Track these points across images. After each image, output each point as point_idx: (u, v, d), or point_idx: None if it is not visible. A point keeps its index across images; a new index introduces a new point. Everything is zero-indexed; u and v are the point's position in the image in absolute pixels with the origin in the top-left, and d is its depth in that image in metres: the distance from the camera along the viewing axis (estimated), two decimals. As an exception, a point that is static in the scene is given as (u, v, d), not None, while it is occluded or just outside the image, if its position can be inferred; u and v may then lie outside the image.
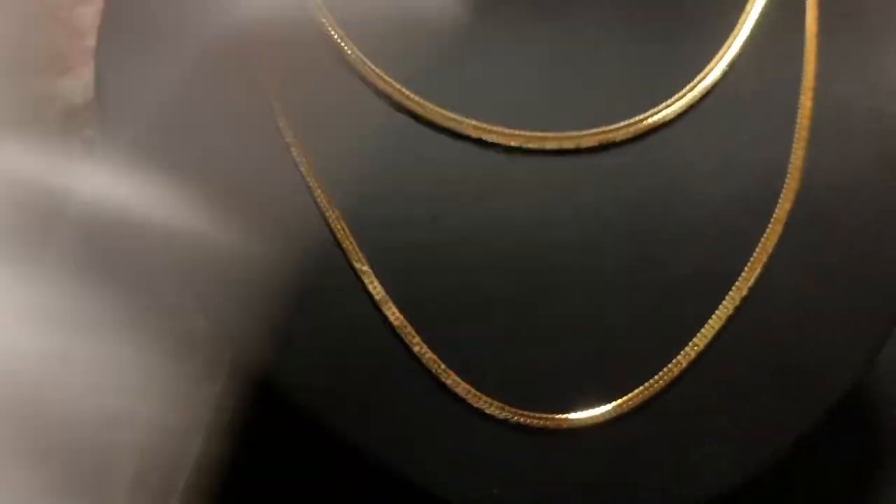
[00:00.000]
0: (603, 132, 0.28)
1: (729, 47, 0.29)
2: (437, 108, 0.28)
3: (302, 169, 0.27)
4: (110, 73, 0.29)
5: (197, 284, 0.27)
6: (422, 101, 0.28)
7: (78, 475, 0.30)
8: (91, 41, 0.35)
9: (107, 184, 0.26)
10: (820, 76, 0.30)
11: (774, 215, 0.28)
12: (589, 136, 0.28)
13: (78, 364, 0.29)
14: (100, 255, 0.29)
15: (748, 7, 0.30)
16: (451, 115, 0.28)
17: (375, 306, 0.27)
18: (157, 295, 0.31)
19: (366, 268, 0.27)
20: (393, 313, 0.26)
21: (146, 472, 0.33)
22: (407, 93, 0.28)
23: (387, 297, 0.26)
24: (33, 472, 0.28)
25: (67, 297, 0.29)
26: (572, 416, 0.26)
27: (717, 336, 0.27)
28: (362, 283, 0.27)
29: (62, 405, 0.28)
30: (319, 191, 0.27)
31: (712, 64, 0.29)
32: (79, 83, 0.41)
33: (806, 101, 0.29)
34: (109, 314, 0.30)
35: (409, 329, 0.26)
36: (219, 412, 0.36)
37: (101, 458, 0.32)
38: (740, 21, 0.30)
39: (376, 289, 0.26)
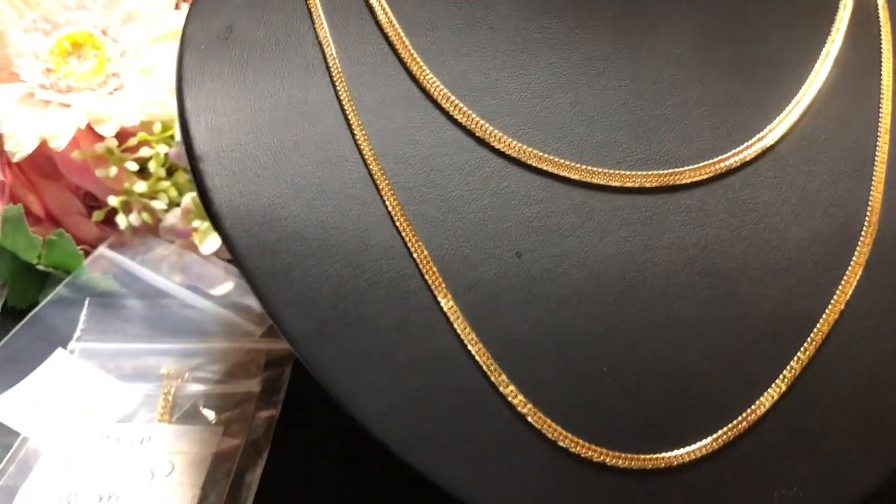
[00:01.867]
0: (683, 172, 0.28)
1: (808, 89, 0.30)
2: (520, 145, 0.28)
3: (388, 203, 0.27)
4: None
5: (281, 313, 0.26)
6: (505, 136, 0.28)
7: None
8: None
9: None
10: (896, 119, 0.30)
11: (854, 257, 0.28)
12: (669, 175, 0.28)
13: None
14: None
15: (826, 49, 0.30)
16: (535, 151, 0.28)
17: (460, 342, 0.26)
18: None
19: (450, 303, 0.27)
20: (479, 349, 0.26)
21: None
22: (491, 128, 0.28)
23: (471, 333, 0.26)
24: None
25: None
26: (655, 456, 0.26)
27: (799, 377, 0.27)
28: (447, 318, 0.26)
29: None
30: (405, 225, 0.27)
31: (791, 105, 0.29)
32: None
33: (883, 144, 0.30)
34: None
35: (494, 366, 0.26)
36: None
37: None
38: (818, 63, 0.30)
39: (460, 324, 0.26)
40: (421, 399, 0.26)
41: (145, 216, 0.44)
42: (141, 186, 0.43)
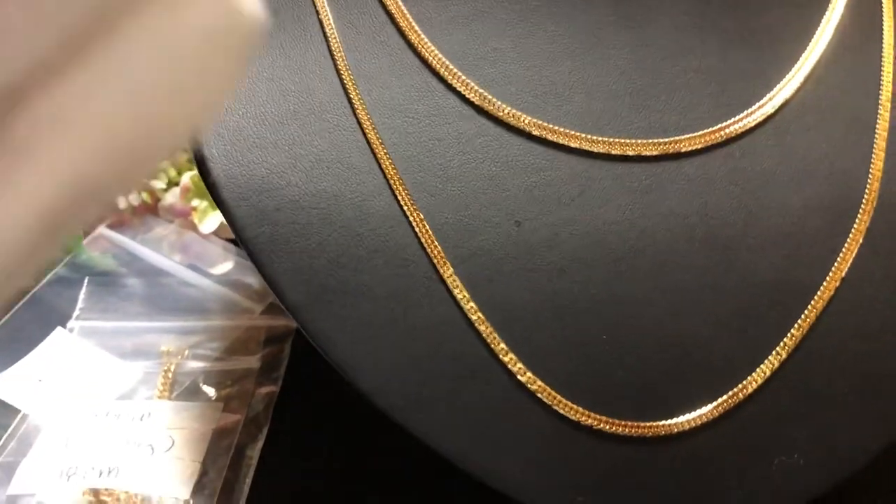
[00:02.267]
0: (683, 140, 0.28)
1: (808, 58, 0.29)
2: (519, 113, 0.28)
3: (386, 172, 0.27)
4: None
5: (280, 282, 0.26)
6: (504, 105, 0.28)
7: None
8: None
9: None
10: (897, 88, 0.30)
11: (855, 225, 0.28)
12: (670, 144, 0.28)
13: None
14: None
15: (826, 17, 0.30)
16: (534, 119, 0.28)
17: (459, 310, 0.26)
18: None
19: (450, 271, 0.26)
20: (478, 317, 0.26)
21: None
22: (490, 97, 0.28)
23: (470, 301, 0.26)
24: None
25: None
26: (655, 424, 0.26)
27: (800, 345, 0.27)
28: (446, 286, 0.26)
29: None
30: (404, 194, 0.27)
31: (791, 73, 0.29)
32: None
33: (884, 112, 0.29)
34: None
35: (494, 334, 0.26)
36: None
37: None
38: (818, 31, 0.30)
39: (459, 292, 0.26)
40: (420, 366, 0.26)
41: (144, 195, 0.44)
42: (139, 166, 0.43)
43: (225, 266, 0.43)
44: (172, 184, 0.44)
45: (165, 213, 0.44)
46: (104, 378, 0.37)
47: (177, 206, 0.44)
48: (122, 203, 0.43)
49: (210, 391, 0.36)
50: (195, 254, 0.43)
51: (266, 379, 0.36)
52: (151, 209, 0.44)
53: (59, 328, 0.39)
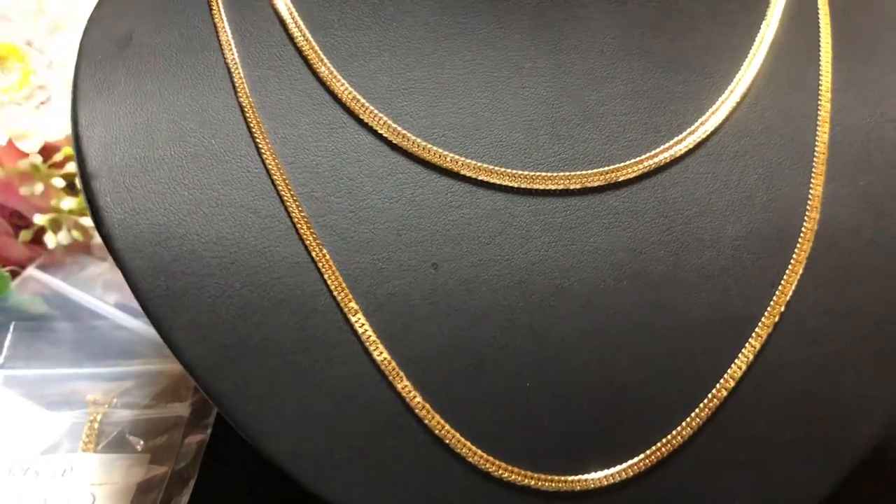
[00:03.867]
0: (609, 171, 0.27)
1: (741, 78, 0.28)
2: (436, 148, 0.26)
3: (293, 215, 0.25)
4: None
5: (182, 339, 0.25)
6: (420, 140, 0.26)
7: None
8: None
9: None
10: (835, 108, 0.28)
11: (794, 254, 0.27)
12: (595, 175, 0.26)
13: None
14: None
15: (761, 34, 0.28)
16: (452, 154, 0.26)
17: (372, 362, 0.25)
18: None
19: (361, 321, 0.25)
20: (393, 370, 0.25)
21: None
22: (403, 131, 0.26)
23: (383, 352, 0.25)
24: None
25: None
26: (584, 477, 0.25)
27: (738, 385, 0.26)
28: (357, 337, 0.25)
29: None
30: (312, 239, 0.25)
31: (724, 96, 0.28)
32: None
33: (822, 134, 0.28)
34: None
35: (410, 387, 0.25)
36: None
37: None
38: (752, 50, 0.28)
39: (371, 343, 0.25)
40: (331, 426, 0.24)
41: (76, 234, 0.42)
42: (69, 203, 0.41)
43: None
44: (104, 221, 0.42)
45: (99, 251, 0.42)
46: (29, 431, 0.35)
47: (110, 243, 0.42)
48: (51, 243, 0.41)
49: (137, 442, 0.34)
50: (130, 292, 0.41)
51: (195, 427, 0.35)
52: (84, 248, 0.42)
53: (-18, 378, 0.37)
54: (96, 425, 0.35)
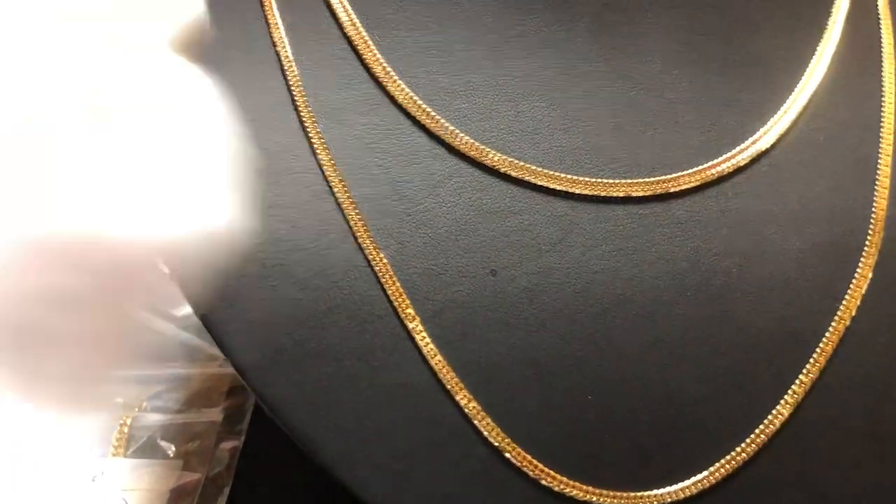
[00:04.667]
0: (672, 179, 0.26)
1: (804, 88, 0.27)
2: (495, 152, 0.25)
3: (349, 218, 0.25)
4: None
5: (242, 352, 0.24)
6: (478, 143, 0.25)
7: None
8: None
9: None
10: (900, 120, 0.28)
11: (858, 269, 0.26)
12: (657, 183, 0.26)
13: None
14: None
15: (822, 45, 0.28)
16: (511, 158, 0.25)
17: (430, 370, 0.24)
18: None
19: (419, 327, 0.24)
20: (451, 378, 0.24)
21: None
22: (462, 134, 0.25)
23: (441, 360, 0.24)
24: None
25: None
26: (646, 493, 0.24)
27: (802, 402, 0.25)
28: (415, 344, 0.24)
29: None
30: (368, 242, 0.24)
31: (787, 105, 0.27)
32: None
33: (886, 146, 0.27)
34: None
35: (469, 396, 0.24)
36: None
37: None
38: (815, 59, 0.28)
39: (430, 350, 0.24)
40: (386, 434, 0.24)
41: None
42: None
43: (189, 307, 0.40)
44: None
45: (126, 252, 0.42)
46: (57, 435, 0.34)
47: (138, 243, 0.41)
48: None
49: (169, 447, 0.34)
50: (159, 294, 0.41)
51: (229, 433, 0.34)
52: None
53: (8, 378, 0.36)
54: (126, 429, 0.34)
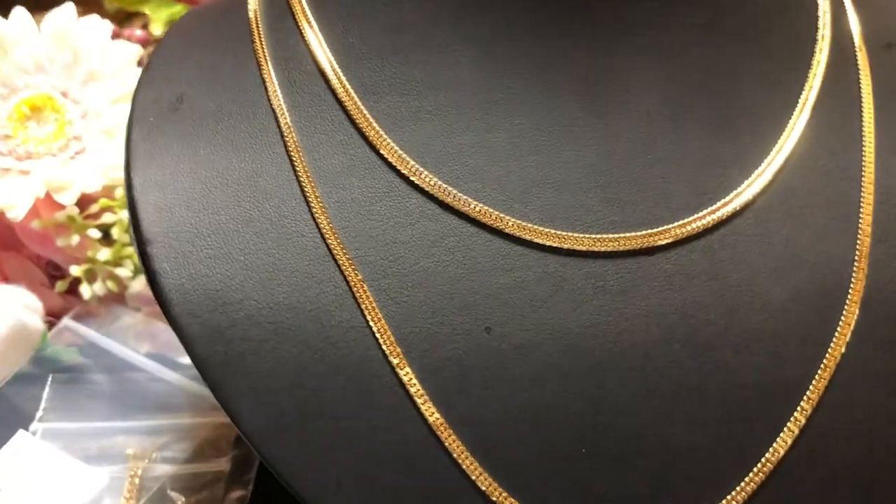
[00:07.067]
0: (659, 232, 0.27)
1: (786, 140, 0.28)
2: (487, 209, 0.26)
3: (349, 280, 0.26)
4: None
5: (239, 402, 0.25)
6: (471, 202, 0.26)
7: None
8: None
9: None
10: (880, 169, 0.28)
11: (842, 316, 0.27)
12: (645, 237, 0.27)
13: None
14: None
15: (804, 96, 0.29)
16: (502, 216, 0.26)
17: (428, 428, 0.25)
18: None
19: (417, 385, 0.25)
20: (449, 435, 0.25)
21: None
22: (455, 194, 0.26)
23: (440, 417, 0.25)
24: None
25: None
26: (641, 541, 0.25)
27: (790, 451, 0.26)
28: (413, 402, 0.25)
29: None
30: (368, 303, 0.25)
31: (770, 157, 0.28)
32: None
33: (867, 195, 0.28)
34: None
35: (466, 452, 0.25)
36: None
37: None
38: (796, 112, 0.29)
39: (428, 408, 0.25)
40: (387, 491, 0.24)
41: (111, 284, 0.42)
42: (105, 254, 0.42)
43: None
44: (139, 271, 0.42)
45: (133, 302, 0.43)
46: (69, 485, 0.35)
47: (145, 293, 0.42)
48: (87, 293, 0.42)
49: (179, 498, 0.34)
50: (163, 343, 0.42)
51: (237, 482, 0.35)
52: (119, 298, 0.43)
53: (21, 431, 0.37)
54: (137, 480, 0.35)
